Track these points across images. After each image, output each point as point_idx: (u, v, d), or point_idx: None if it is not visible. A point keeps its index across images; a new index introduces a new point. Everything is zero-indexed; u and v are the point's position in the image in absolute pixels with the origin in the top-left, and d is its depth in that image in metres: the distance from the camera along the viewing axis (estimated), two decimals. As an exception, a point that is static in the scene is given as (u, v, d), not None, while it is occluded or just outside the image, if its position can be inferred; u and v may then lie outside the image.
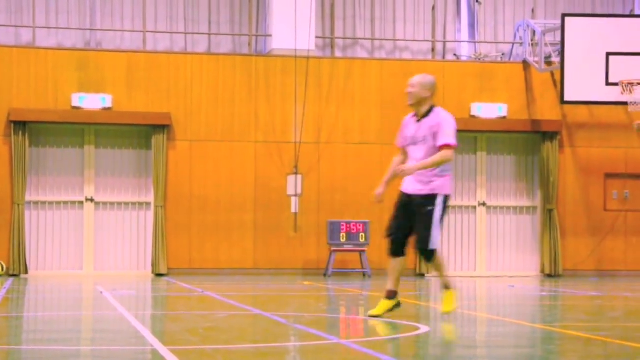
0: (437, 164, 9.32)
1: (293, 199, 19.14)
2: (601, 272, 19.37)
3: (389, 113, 19.60)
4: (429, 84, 9.46)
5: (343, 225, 19.00)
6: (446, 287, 9.69)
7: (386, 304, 9.75)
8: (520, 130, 19.65)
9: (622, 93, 18.33)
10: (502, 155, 19.92)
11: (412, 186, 9.54)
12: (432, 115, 9.45)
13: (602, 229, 19.56)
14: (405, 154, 9.72)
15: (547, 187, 19.43)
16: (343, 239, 18.97)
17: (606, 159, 19.64)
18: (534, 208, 19.66)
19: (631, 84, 18.28)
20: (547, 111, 19.54)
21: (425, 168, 9.37)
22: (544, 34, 19.29)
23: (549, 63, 19.35)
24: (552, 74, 19.33)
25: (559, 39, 18.83)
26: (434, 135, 9.38)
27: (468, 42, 20.69)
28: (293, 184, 19.11)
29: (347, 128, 19.55)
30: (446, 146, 9.29)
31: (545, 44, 19.27)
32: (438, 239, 9.38)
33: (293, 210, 19.13)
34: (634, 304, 12.90)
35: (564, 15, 18.73)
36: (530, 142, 19.79)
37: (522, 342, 8.52)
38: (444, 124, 9.36)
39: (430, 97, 9.47)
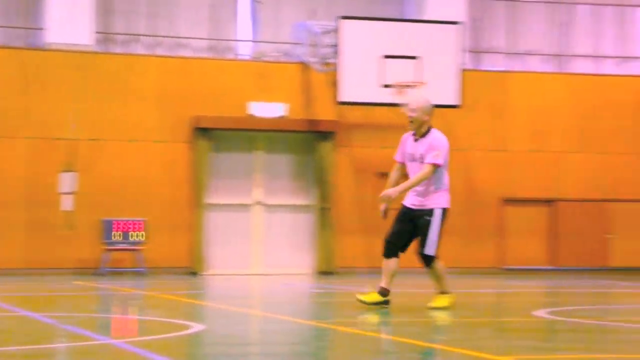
0: (416, 184, 10.33)
1: (67, 196, 18.64)
2: (374, 269, 19.83)
3: (169, 111, 19.42)
4: (428, 109, 10.44)
5: (118, 223, 18.70)
6: (442, 292, 10.63)
7: (376, 296, 10.63)
8: (298, 130, 19.88)
9: (395, 95, 18.85)
10: (280, 154, 20.09)
11: (412, 200, 10.51)
12: (429, 136, 10.42)
13: (375, 228, 20.04)
14: (402, 168, 10.65)
15: (323, 186, 19.75)
16: (118, 237, 18.67)
17: (380, 159, 20.12)
18: (310, 207, 19.94)
19: (404, 86, 18.82)
20: (325, 111, 19.85)
21: (406, 189, 10.35)
22: (323, 35, 19.59)
23: (327, 64, 19.66)
24: (330, 75, 19.65)
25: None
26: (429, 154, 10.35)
27: (247, 41, 20.76)
28: (67, 181, 18.62)
29: (125, 125, 19.23)
30: (433, 165, 10.30)
31: (324, 45, 19.57)
32: (435, 247, 10.36)
33: (67, 208, 18.63)
34: (402, 299, 13.26)
35: (340, 18, 19.10)
36: (307, 141, 20.05)
37: (295, 339, 8.59)
38: (437, 144, 10.37)
39: (429, 120, 10.42)
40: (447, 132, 20.59)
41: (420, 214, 10.45)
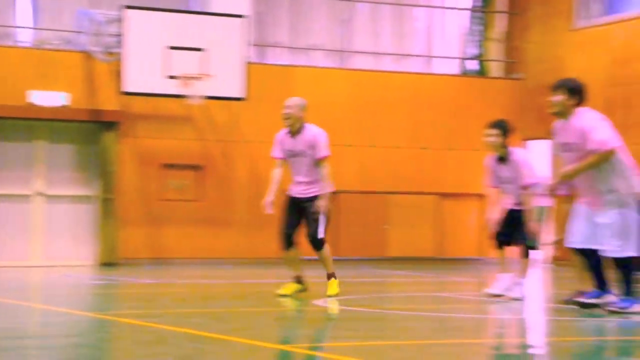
0: (327, 178, 11.13)
1: None
2: (157, 260, 19.73)
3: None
4: (303, 106, 11.33)
5: None
6: (330, 276, 11.32)
7: (295, 286, 11.38)
8: (81, 120, 19.50)
9: (180, 86, 18.79)
10: (62, 144, 19.67)
11: (298, 189, 11.25)
12: (305, 132, 11.18)
13: (158, 218, 19.94)
14: (283, 165, 11.37)
15: (106, 176, 19.45)
16: None
17: (165, 149, 20.02)
18: (93, 197, 19.61)
19: (189, 77, 18.79)
20: (109, 101, 19.55)
21: (328, 186, 11.12)
22: (106, 24, 19.27)
23: (111, 53, 19.36)
24: (114, 65, 19.37)
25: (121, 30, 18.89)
26: (312, 148, 11.12)
27: (27, 28, 20.18)
28: None
29: None
30: (325, 158, 11.12)
31: (108, 34, 19.26)
32: (324, 230, 11.06)
33: None
34: (184, 290, 13.32)
35: (125, 7, 18.85)
36: (90, 131, 19.70)
37: (74, 331, 8.48)
38: (320, 138, 11.15)
39: (304, 116, 11.24)
40: (233, 125, 20.82)
41: (309, 201, 11.14)
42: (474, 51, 22.81)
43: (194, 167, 20.09)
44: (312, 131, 11.25)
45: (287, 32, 21.63)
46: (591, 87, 20.96)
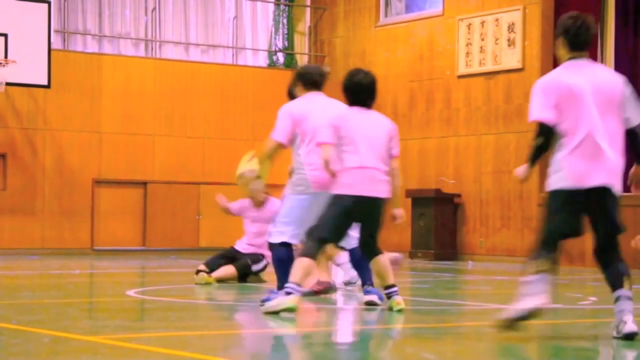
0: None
1: None
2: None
3: None
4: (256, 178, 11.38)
5: None
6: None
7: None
8: None
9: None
10: None
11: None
12: (268, 204, 12.08)
13: None
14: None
15: None
16: None
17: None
18: None
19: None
20: None
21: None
22: None
23: None
24: None
25: None
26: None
27: None
28: None
29: None
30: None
31: None
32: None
33: None
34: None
35: None
36: None
37: None
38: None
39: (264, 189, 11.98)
40: (38, 113, 20.31)
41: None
42: (282, 44, 23.02)
43: None
44: (273, 204, 11.87)
45: (95, 19, 21.29)
46: (396, 82, 21.61)
